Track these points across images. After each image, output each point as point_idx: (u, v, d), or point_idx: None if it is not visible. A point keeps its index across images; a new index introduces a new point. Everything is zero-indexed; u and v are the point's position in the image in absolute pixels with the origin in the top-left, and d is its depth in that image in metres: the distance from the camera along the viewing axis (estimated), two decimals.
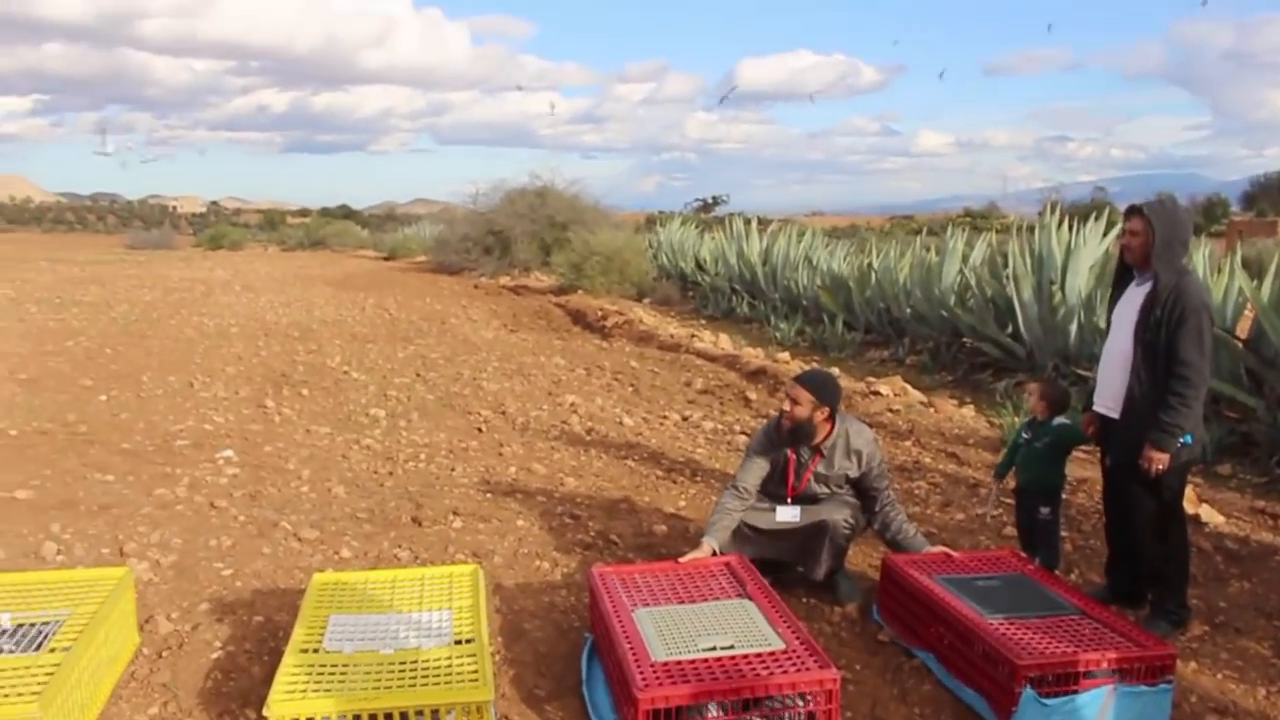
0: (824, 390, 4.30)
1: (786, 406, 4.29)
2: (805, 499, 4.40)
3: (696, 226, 25.85)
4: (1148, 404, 3.81)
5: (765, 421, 4.61)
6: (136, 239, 42.94)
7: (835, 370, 9.79)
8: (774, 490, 4.44)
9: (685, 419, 8.05)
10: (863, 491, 4.42)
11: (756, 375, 9.75)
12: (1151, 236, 3.81)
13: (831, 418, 4.33)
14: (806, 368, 9.81)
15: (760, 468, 4.38)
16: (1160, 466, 3.77)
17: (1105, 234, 10.03)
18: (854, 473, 4.37)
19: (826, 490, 4.41)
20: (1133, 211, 3.93)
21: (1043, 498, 4.32)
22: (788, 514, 4.36)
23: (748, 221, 20.04)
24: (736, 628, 3.34)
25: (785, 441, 4.36)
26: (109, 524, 5.18)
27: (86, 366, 10.00)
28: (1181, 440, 3.76)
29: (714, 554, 4.11)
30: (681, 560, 4.04)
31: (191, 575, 4.52)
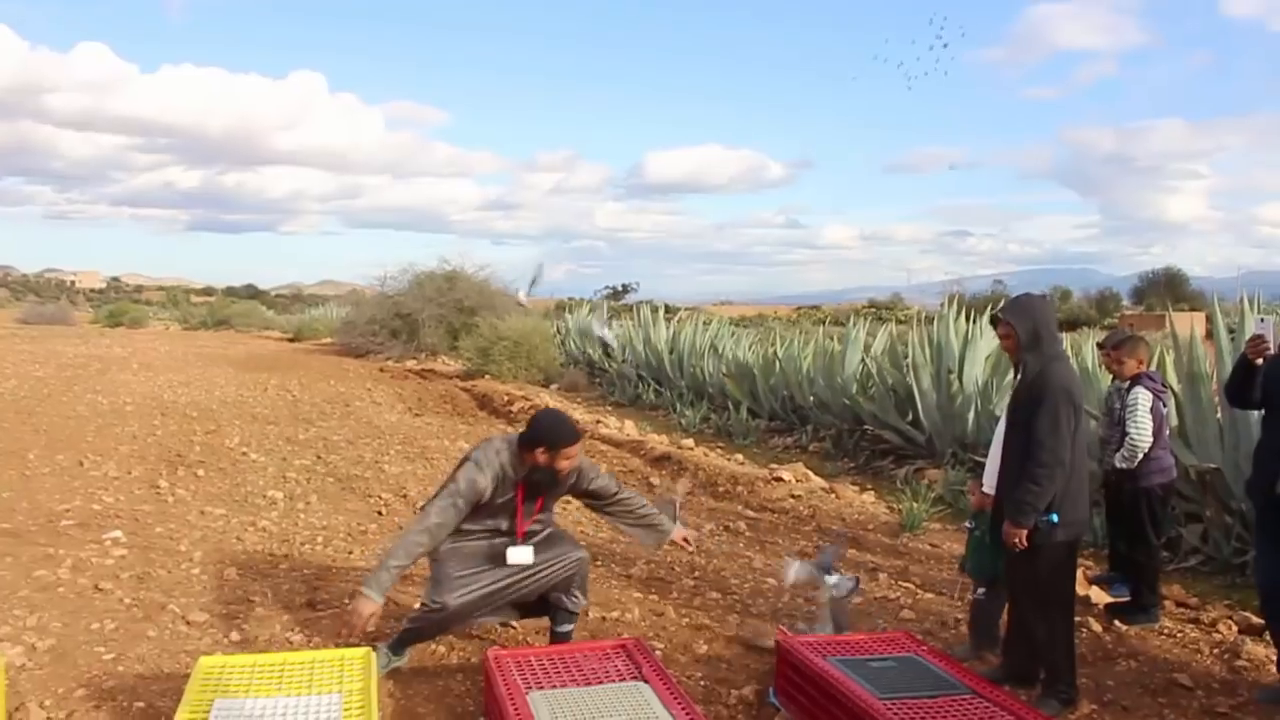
0: (577, 433, 4.26)
1: (565, 464, 4.19)
2: (529, 536, 4.33)
3: (606, 314, 26.06)
4: (1014, 483, 4.01)
5: (483, 447, 4.24)
6: (31, 313, 41.84)
7: (738, 456, 9.88)
8: (489, 528, 4.26)
9: None
10: (591, 494, 4.51)
11: (661, 461, 9.79)
12: (1017, 335, 4.03)
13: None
14: (711, 454, 9.88)
15: (463, 509, 4.12)
16: (1017, 542, 3.98)
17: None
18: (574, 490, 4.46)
19: (539, 525, 4.39)
20: (995, 320, 4.23)
21: (981, 581, 4.52)
22: (521, 555, 4.25)
23: (655, 309, 20.27)
24: (632, 712, 3.31)
25: (528, 478, 4.19)
26: None
27: None
28: (1044, 518, 3.94)
29: (378, 608, 4.00)
30: (346, 615, 4.05)
31: (70, 660, 4.35)
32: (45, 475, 8.39)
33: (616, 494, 4.54)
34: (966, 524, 4.66)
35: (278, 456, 9.68)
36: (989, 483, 4.34)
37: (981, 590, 4.55)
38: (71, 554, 5.98)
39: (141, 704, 3.91)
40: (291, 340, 32.55)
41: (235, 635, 4.75)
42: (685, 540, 4.73)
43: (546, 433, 4.15)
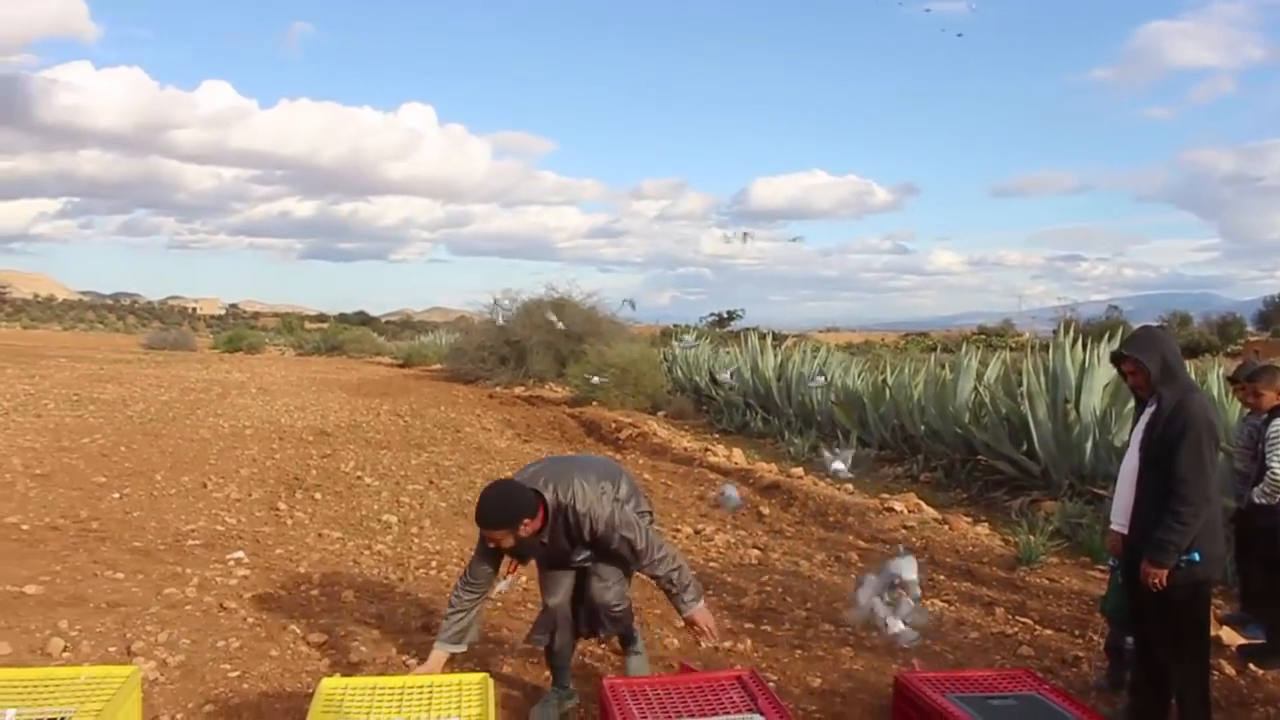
0: (502, 515, 3.91)
1: (494, 544, 4.02)
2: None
3: (711, 341, 26.04)
4: (1152, 520, 3.84)
5: None
6: (155, 339, 43.41)
7: (848, 486, 9.77)
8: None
9: (698, 532, 8.03)
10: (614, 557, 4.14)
11: (770, 490, 9.74)
12: (1146, 370, 3.89)
13: (537, 516, 3.98)
14: (820, 483, 9.79)
15: (490, 553, 4.09)
16: (1157, 582, 3.80)
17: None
18: (584, 540, 4.08)
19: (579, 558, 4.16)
20: (1118, 358, 4.06)
21: (1119, 621, 4.45)
22: (505, 584, 4.30)
23: (763, 336, 20.19)
24: None
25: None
26: (117, 622, 5.17)
27: (101, 464, 10.04)
28: (1185, 558, 3.77)
29: (448, 659, 4.02)
30: (413, 673, 3.94)
31: (198, 676, 4.50)
32: (172, 496, 8.70)
33: (640, 563, 4.10)
34: (1109, 563, 4.50)
35: (391, 481, 9.88)
36: (1117, 520, 4.19)
37: (1128, 640, 4.41)
38: (198, 573, 6.19)
39: None
40: (402, 366, 33.23)
41: (353, 657, 4.86)
42: (695, 626, 4.17)
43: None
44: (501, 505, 3.91)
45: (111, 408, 15.22)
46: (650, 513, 4.40)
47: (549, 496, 3.98)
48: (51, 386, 18.42)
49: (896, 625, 4.06)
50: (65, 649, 4.77)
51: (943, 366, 13.16)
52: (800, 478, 10.28)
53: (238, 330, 53.40)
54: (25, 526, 7.27)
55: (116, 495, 8.58)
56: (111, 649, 4.81)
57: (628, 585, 4.30)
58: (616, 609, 4.21)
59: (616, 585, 4.21)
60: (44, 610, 5.31)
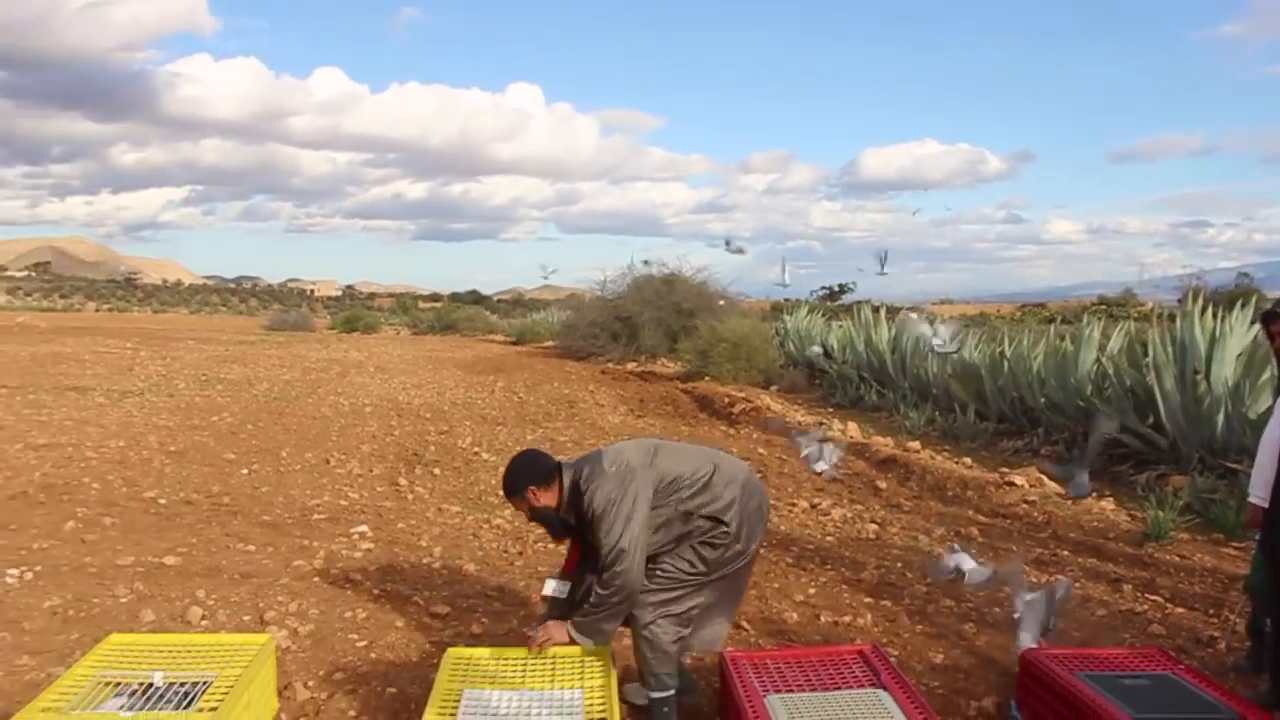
0: (511, 481, 3.80)
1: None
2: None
3: (823, 315, 25.79)
4: None
5: None
6: (276, 321, 44.78)
7: (966, 460, 9.59)
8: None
9: (814, 506, 7.98)
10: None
11: (886, 464, 9.63)
12: None
13: (551, 489, 3.79)
14: (938, 457, 9.64)
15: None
16: None
17: (1253, 322, 9.66)
18: (588, 524, 3.71)
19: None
20: (1270, 317, 3.87)
21: (1267, 605, 4.19)
22: (549, 587, 3.92)
23: (876, 309, 19.91)
24: (871, 718, 3.28)
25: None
26: (250, 592, 5.37)
27: (230, 441, 10.39)
28: None
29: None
30: (534, 644, 3.71)
31: (328, 645, 4.65)
32: (297, 472, 8.97)
33: (599, 562, 3.68)
34: (1255, 536, 4.30)
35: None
36: (1257, 493, 4.03)
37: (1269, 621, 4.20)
38: (324, 546, 6.38)
39: (394, 690, 4.13)
40: (514, 343, 33.65)
41: (475, 628, 4.95)
42: (541, 634, 3.75)
43: None
44: (512, 471, 3.82)
45: (238, 387, 15.74)
46: (721, 522, 3.72)
47: (568, 470, 3.80)
48: (182, 368, 19.10)
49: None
50: (203, 617, 4.97)
51: (1062, 338, 12.80)
52: (917, 452, 10.13)
53: (354, 311, 54.65)
54: (163, 501, 7.57)
55: (245, 471, 8.87)
56: (245, 618, 5.00)
57: (677, 610, 3.72)
58: (652, 633, 3.72)
59: (652, 602, 3.71)
60: (182, 580, 5.54)
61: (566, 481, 3.77)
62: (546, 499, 3.78)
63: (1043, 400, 11.82)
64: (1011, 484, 8.32)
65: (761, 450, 10.72)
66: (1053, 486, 8.36)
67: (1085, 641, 4.83)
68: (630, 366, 21.86)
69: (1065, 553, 6.57)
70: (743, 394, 15.07)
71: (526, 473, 3.79)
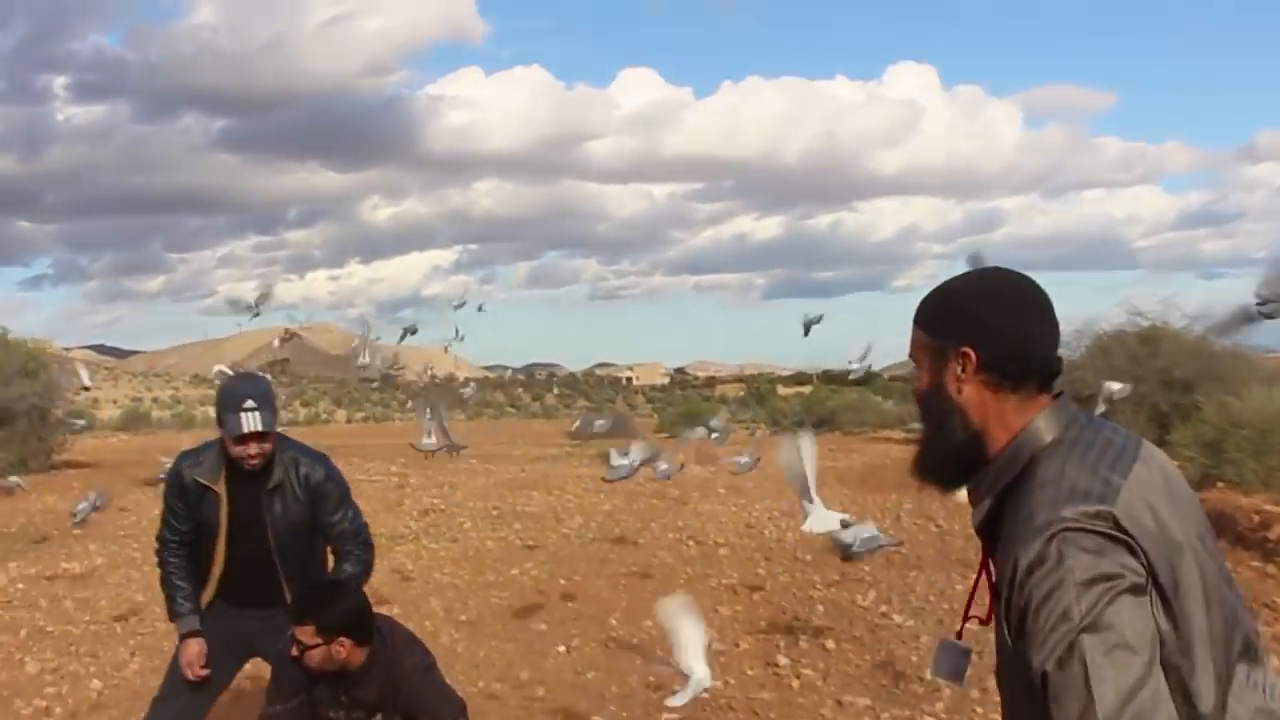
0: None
1: None
2: None
3: None
4: None
5: None
6: (583, 425, 45.88)
7: None
8: None
9: None
10: None
11: None
12: None
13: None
14: None
15: None
16: None
17: None
18: None
19: None
20: None
21: None
22: None
23: None
24: None
25: None
26: None
27: (537, 602, 10.77)
28: None
29: None
30: None
31: None
32: (633, 648, 9.15)
33: None
34: None
35: (931, 618, 9.77)
36: None
37: None
38: None
39: None
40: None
41: None
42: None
43: None
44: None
45: (541, 524, 16.35)
46: None
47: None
48: (465, 498, 20.09)
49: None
50: None
51: None
52: None
53: (689, 405, 55.93)
54: (458, 692, 7.87)
55: (562, 648, 9.16)
56: None
57: None
58: None
59: None
60: None
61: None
62: None
63: None
64: None
65: None
66: None
67: None
68: None
69: None
70: None
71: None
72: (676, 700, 6.57)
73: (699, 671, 6.43)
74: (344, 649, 4.71)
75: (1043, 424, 2.37)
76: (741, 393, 79.91)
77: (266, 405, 5.08)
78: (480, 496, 20.32)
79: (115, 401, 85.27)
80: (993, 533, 2.41)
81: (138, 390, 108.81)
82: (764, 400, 62.30)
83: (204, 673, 5.26)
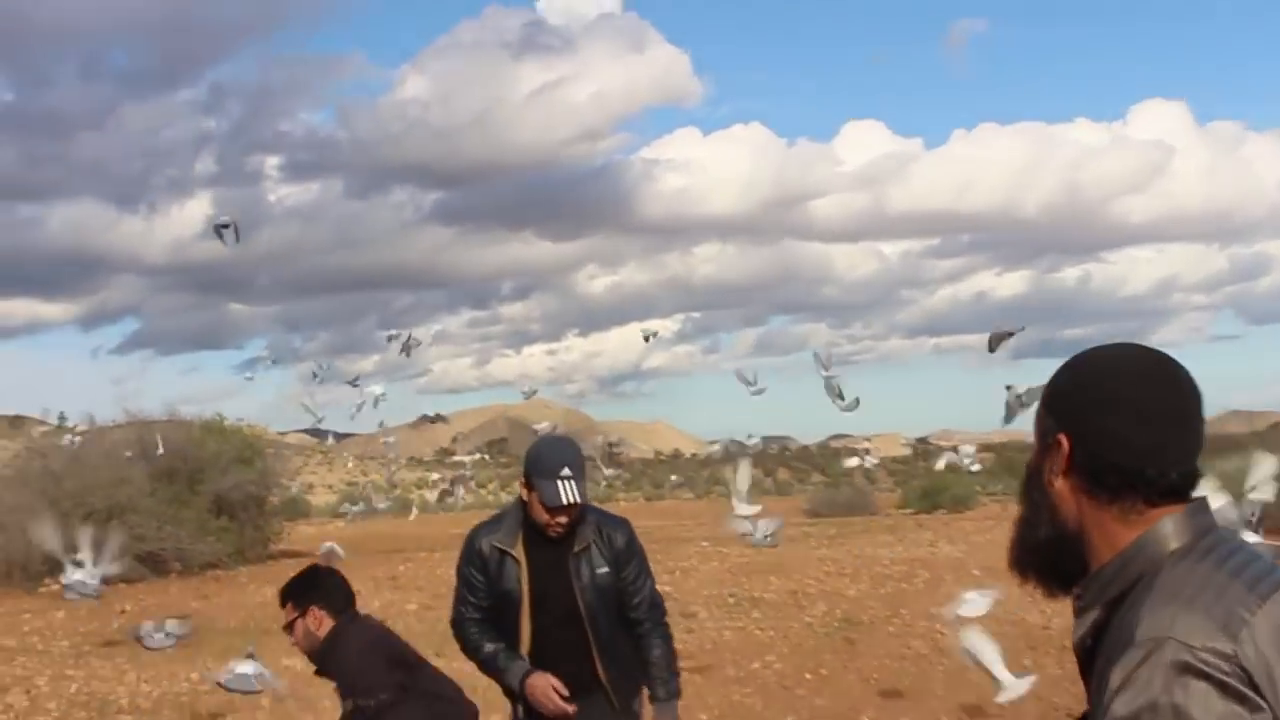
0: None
1: None
2: None
3: None
4: None
5: None
6: (820, 501, 46.21)
7: None
8: None
9: None
10: None
11: None
12: None
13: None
14: None
15: None
16: None
17: None
18: None
19: None
20: None
21: None
22: None
23: None
24: None
25: None
26: None
27: (784, 700, 10.73)
28: None
29: None
30: None
31: None
32: None
33: None
34: None
35: None
36: None
37: None
38: None
39: None
40: None
41: None
42: None
43: None
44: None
45: (781, 611, 16.17)
46: None
47: None
48: (697, 585, 19.95)
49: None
50: None
51: None
52: None
53: (936, 478, 54.97)
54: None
55: None
56: None
57: None
58: None
59: None
60: None
61: None
62: None
63: None
64: None
65: None
66: None
67: None
68: None
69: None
70: None
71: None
72: (1003, 698, 7.58)
73: (1009, 678, 7.32)
74: (314, 618, 5.47)
75: (1168, 531, 2.08)
76: (988, 462, 78.39)
77: (581, 474, 5.18)
78: (713, 581, 20.21)
79: (331, 486, 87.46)
80: (1093, 650, 2.12)
81: (353, 474, 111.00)
82: (1016, 471, 60.92)
83: (566, 701, 5.19)
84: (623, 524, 5.52)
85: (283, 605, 5.66)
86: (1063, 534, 2.17)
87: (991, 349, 14.39)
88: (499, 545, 5.27)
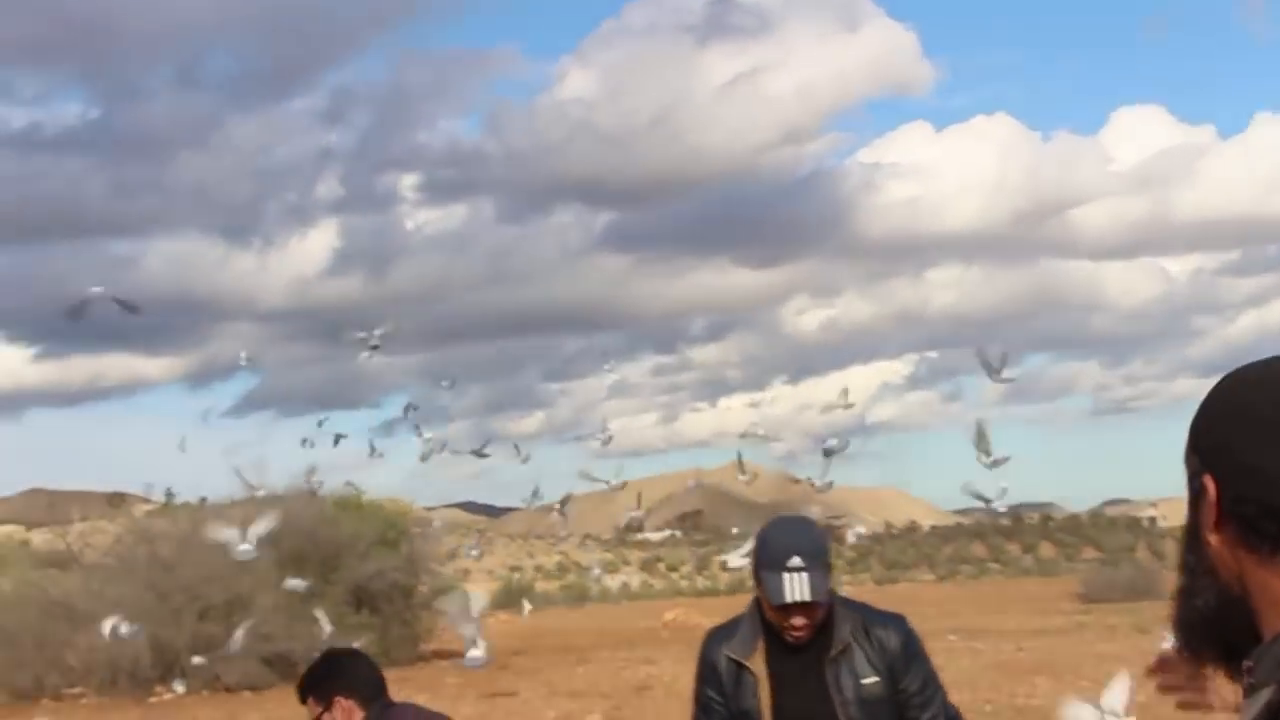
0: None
1: None
2: None
3: None
4: None
5: None
6: (1095, 582, 44.14)
7: None
8: None
9: None
10: None
11: None
12: None
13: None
14: None
15: None
16: None
17: None
18: None
19: None
20: None
21: None
22: None
23: None
24: None
25: None
26: None
27: None
28: None
29: None
30: None
31: None
32: None
33: None
34: None
35: None
36: None
37: None
38: None
39: None
40: None
41: None
42: None
43: None
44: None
45: None
46: None
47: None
48: (949, 687, 16.96)
49: None
50: None
51: None
52: None
53: None
54: None
55: None
56: None
57: None
58: None
59: None
60: None
61: None
62: None
63: None
64: None
65: None
66: None
67: None
68: None
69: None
70: None
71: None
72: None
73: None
74: (343, 710, 4.99)
75: None
76: None
77: (817, 564, 4.61)
78: (965, 683, 18.18)
79: (490, 571, 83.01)
80: None
81: (516, 556, 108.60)
82: None
83: None
84: (896, 620, 5.00)
85: (302, 700, 5.27)
86: (1225, 600, 1.73)
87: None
88: (733, 657, 4.81)
